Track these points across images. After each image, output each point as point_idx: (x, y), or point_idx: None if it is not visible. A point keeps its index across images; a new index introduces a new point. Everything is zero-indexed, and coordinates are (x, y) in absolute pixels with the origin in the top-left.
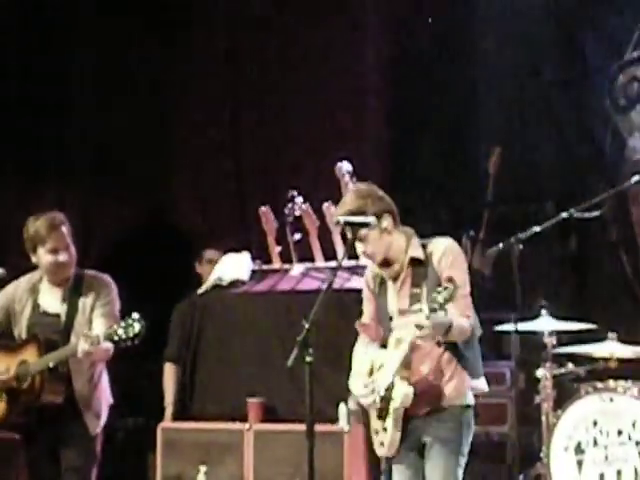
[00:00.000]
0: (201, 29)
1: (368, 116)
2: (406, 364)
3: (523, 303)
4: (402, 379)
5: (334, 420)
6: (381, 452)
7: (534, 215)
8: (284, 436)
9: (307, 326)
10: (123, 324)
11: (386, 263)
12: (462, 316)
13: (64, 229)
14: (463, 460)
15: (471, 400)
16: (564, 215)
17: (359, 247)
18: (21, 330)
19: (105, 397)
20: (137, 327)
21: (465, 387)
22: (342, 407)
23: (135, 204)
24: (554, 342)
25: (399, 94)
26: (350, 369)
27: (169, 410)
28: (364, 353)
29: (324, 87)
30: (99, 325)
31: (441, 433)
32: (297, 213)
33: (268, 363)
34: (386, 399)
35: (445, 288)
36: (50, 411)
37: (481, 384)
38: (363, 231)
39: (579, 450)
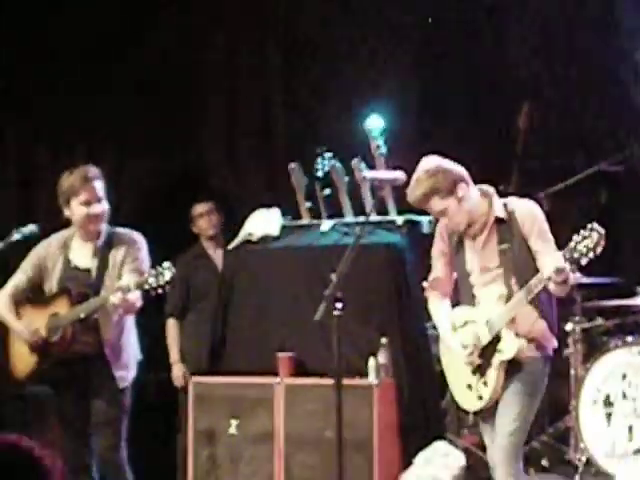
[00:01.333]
0: None
1: (397, 70)
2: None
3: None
4: (510, 331)
5: (364, 374)
6: (477, 405)
7: (564, 169)
8: (314, 390)
9: (335, 280)
10: (154, 272)
11: (467, 225)
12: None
13: (97, 182)
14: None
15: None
16: (593, 169)
17: (441, 222)
18: (52, 285)
19: (133, 351)
20: (168, 275)
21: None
22: (372, 361)
23: (165, 161)
24: (584, 296)
25: (428, 48)
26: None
27: (177, 368)
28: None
29: (354, 42)
30: (127, 280)
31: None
32: (326, 169)
33: (298, 317)
34: (487, 354)
35: (586, 237)
36: (80, 363)
37: None
38: (440, 206)
39: (608, 403)
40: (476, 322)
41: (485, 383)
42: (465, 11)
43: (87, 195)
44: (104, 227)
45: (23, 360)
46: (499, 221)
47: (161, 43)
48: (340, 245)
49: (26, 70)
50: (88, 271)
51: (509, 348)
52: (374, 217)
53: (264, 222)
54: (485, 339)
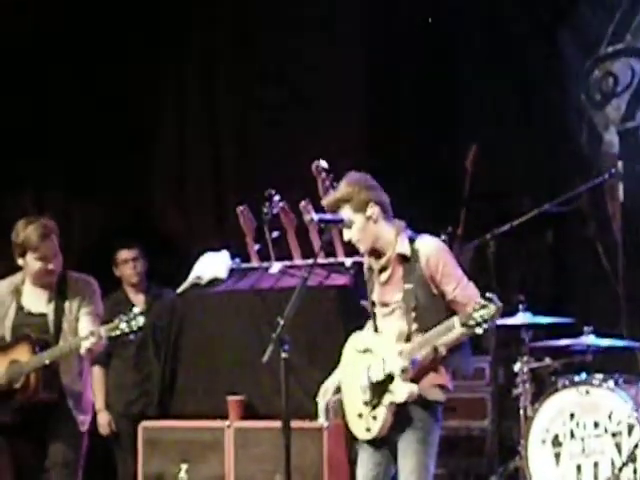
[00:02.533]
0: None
1: (345, 114)
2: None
3: (501, 298)
4: (404, 377)
5: (314, 416)
6: (365, 436)
7: (511, 211)
8: (265, 433)
9: (282, 322)
10: (125, 318)
11: (376, 253)
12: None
13: (54, 237)
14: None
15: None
16: (540, 210)
17: (345, 234)
18: (4, 331)
19: (90, 394)
20: (141, 320)
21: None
22: (321, 403)
23: (113, 205)
24: (531, 336)
25: (377, 93)
26: (330, 365)
27: (102, 416)
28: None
29: (302, 86)
30: (85, 323)
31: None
32: (275, 211)
33: (247, 361)
34: (378, 389)
35: (484, 306)
36: (40, 409)
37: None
38: (348, 217)
39: (557, 443)
40: (373, 354)
41: (374, 417)
42: (417, 55)
43: (44, 252)
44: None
45: None
46: (404, 258)
47: (112, 87)
48: (289, 287)
49: None
50: (44, 316)
51: (400, 392)
52: (322, 259)
53: (213, 265)
54: (376, 377)
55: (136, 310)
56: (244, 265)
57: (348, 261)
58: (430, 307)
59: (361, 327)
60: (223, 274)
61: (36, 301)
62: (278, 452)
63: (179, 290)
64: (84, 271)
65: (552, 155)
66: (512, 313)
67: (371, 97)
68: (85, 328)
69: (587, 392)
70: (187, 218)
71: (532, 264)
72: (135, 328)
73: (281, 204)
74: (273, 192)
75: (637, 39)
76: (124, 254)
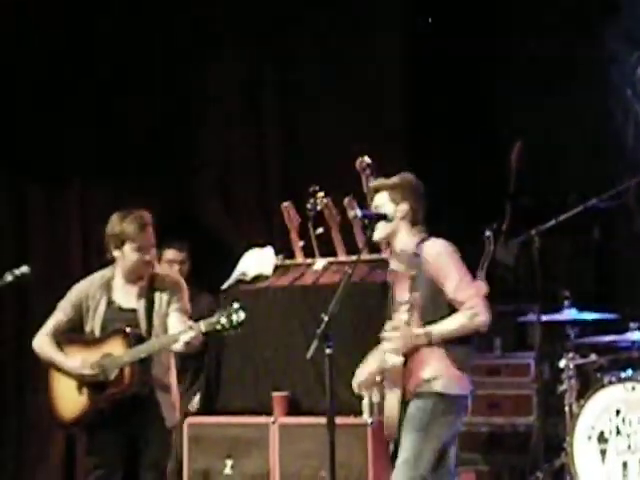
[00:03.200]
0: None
1: (386, 110)
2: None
3: (546, 294)
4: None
5: (358, 413)
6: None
7: (557, 206)
8: (309, 429)
9: (326, 319)
10: (225, 313)
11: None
12: (464, 309)
13: (151, 229)
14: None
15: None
16: (586, 205)
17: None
18: (94, 326)
19: (176, 391)
20: (242, 315)
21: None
22: (365, 399)
23: (159, 202)
24: (577, 332)
25: (418, 88)
26: None
27: None
28: None
29: (345, 83)
30: (175, 319)
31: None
32: (319, 208)
33: (292, 357)
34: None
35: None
36: (130, 402)
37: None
38: (381, 202)
39: (602, 439)
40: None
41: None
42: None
43: (142, 242)
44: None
45: (72, 401)
46: None
47: (158, 90)
48: (332, 283)
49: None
50: (134, 311)
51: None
52: (366, 255)
53: (257, 261)
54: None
55: (236, 305)
56: (288, 261)
57: None
58: (430, 305)
59: None
60: (268, 270)
61: (127, 296)
62: (323, 448)
63: (224, 286)
64: None
65: (598, 150)
66: (558, 309)
67: (410, 92)
68: (175, 324)
69: (633, 388)
70: (232, 214)
71: (578, 260)
72: (235, 323)
73: (325, 200)
74: (317, 188)
75: None
76: (171, 254)
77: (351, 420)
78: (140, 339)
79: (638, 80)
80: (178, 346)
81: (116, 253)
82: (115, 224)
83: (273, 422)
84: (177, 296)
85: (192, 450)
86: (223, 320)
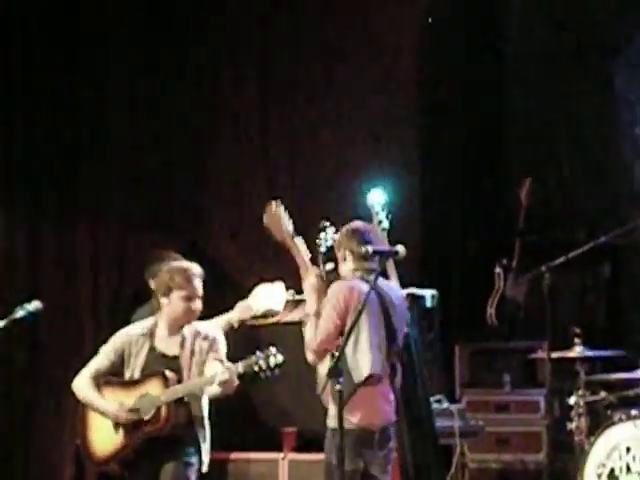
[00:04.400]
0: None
1: (398, 144)
2: None
3: (556, 331)
4: None
5: None
6: None
7: (566, 243)
8: (319, 465)
9: (336, 354)
10: (263, 355)
11: None
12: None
13: (200, 280)
14: None
15: None
16: (596, 242)
17: None
18: (134, 371)
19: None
20: (280, 357)
21: None
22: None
23: (170, 239)
24: (587, 369)
25: (429, 123)
26: None
27: None
28: None
29: (354, 116)
30: (213, 365)
31: None
32: (329, 243)
33: (301, 392)
34: None
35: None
36: (169, 443)
37: None
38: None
39: (612, 477)
40: None
41: None
42: (468, 86)
43: (191, 292)
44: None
45: (108, 441)
46: None
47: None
48: None
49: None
50: (176, 358)
51: None
52: None
53: (268, 297)
54: None
55: (273, 349)
56: (298, 297)
57: (404, 292)
58: None
59: (413, 361)
60: (278, 306)
61: (169, 344)
62: None
63: None
64: (137, 302)
65: (607, 188)
66: (567, 346)
67: (423, 127)
68: (213, 369)
69: None
70: (242, 250)
71: (588, 297)
72: (272, 365)
73: (335, 235)
74: (327, 224)
75: None
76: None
77: None
78: (178, 381)
79: None
80: (214, 389)
81: (163, 300)
82: (164, 272)
83: (283, 458)
84: (215, 348)
85: None
86: (261, 362)
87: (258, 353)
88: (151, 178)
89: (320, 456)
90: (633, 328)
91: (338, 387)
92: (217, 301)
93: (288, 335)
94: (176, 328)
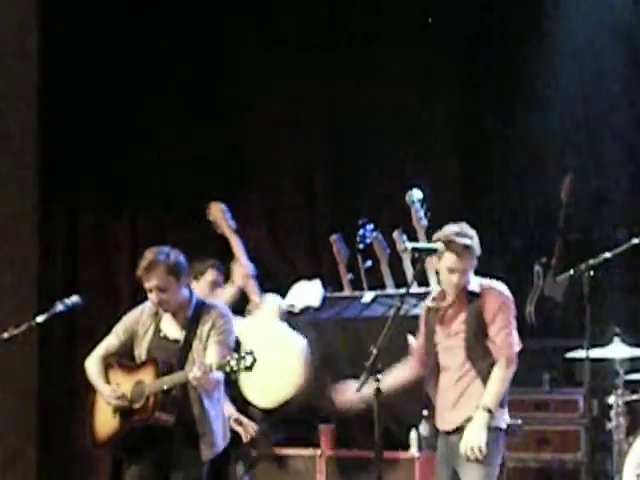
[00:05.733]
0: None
1: (439, 145)
2: None
3: (595, 330)
4: None
5: (406, 446)
6: None
7: (606, 241)
8: (356, 462)
9: (375, 352)
10: (236, 356)
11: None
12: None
13: (158, 270)
14: None
15: None
16: (636, 241)
17: (451, 261)
18: (141, 352)
19: (220, 427)
20: (249, 360)
21: None
22: (413, 433)
23: (206, 233)
24: (626, 369)
25: (470, 124)
26: (421, 394)
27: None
28: None
29: (398, 115)
30: (212, 352)
31: None
32: (368, 240)
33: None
34: None
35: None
36: (162, 433)
37: None
38: (460, 246)
39: None
40: None
41: None
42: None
43: (147, 284)
44: (176, 304)
45: (106, 424)
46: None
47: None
48: (381, 317)
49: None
50: (177, 342)
51: None
52: (415, 288)
53: (306, 293)
54: None
55: (248, 349)
56: (336, 294)
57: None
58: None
59: None
60: (316, 303)
61: (172, 326)
62: None
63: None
64: None
65: None
66: (607, 345)
67: (460, 130)
68: (211, 357)
69: None
70: (281, 247)
71: (628, 296)
72: (243, 367)
73: (374, 233)
74: (366, 221)
75: None
76: (211, 275)
77: (399, 454)
78: (169, 370)
79: None
80: (191, 382)
81: (193, 284)
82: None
83: (320, 455)
84: (218, 329)
85: None
86: (232, 362)
87: (233, 353)
88: (188, 180)
89: (357, 453)
90: None
91: (377, 385)
92: None
93: (326, 331)
94: (176, 312)
